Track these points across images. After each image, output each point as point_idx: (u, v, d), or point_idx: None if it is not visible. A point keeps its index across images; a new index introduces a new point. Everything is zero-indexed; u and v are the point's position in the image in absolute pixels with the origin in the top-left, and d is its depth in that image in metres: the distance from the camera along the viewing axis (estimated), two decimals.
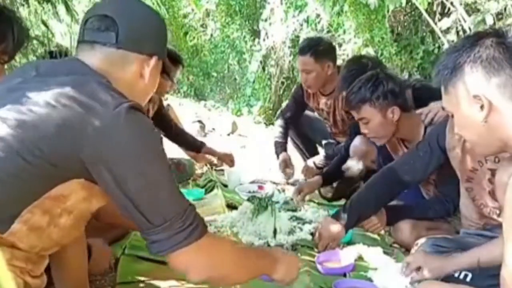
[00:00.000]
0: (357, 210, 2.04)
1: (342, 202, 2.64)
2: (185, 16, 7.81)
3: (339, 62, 3.44)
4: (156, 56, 1.23)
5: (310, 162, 3.35)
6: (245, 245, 2.00)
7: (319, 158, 3.32)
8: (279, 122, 3.43)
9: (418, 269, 1.67)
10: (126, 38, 1.18)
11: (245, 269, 1.27)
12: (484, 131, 1.18)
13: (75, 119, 1.03)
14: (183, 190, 2.82)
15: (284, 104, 7.11)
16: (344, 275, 1.85)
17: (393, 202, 2.22)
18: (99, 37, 1.18)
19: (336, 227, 2.01)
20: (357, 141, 2.71)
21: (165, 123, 3.15)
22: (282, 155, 3.32)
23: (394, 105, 2.12)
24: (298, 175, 3.35)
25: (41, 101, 1.04)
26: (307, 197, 2.73)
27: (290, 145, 3.74)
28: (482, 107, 1.14)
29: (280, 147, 3.36)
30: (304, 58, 3.04)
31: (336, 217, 2.05)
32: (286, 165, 3.30)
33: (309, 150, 3.55)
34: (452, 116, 1.26)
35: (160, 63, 1.27)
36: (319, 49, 3.04)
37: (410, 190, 2.25)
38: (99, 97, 1.06)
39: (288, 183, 3.30)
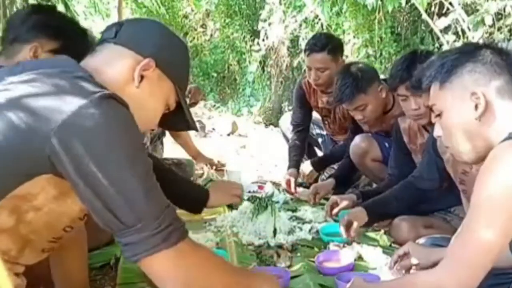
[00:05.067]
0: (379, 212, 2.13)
1: None
2: (185, 17, 7.82)
3: None
4: (152, 60, 1.14)
5: (307, 164, 3.33)
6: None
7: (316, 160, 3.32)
8: (291, 136, 3.23)
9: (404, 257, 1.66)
10: (124, 34, 1.17)
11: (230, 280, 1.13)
12: (473, 129, 1.20)
13: (38, 110, 0.95)
14: None
15: (283, 104, 7.16)
16: None
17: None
18: (103, 36, 1.19)
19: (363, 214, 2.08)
20: (357, 139, 2.71)
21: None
22: (289, 171, 3.03)
23: None
24: None
25: (10, 94, 0.98)
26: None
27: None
28: (476, 106, 1.18)
29: (293, 158, 3.12)
30: (320, 55, 2.87)
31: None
32: (289, 184, 2.90)
33: (309, 152, 3.54)
34: (438, 115, 1.27)
35: (165, 79, 1.18)
36: (334, 45, 2.93)
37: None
38: (73, 87, 0.98)
39: None
